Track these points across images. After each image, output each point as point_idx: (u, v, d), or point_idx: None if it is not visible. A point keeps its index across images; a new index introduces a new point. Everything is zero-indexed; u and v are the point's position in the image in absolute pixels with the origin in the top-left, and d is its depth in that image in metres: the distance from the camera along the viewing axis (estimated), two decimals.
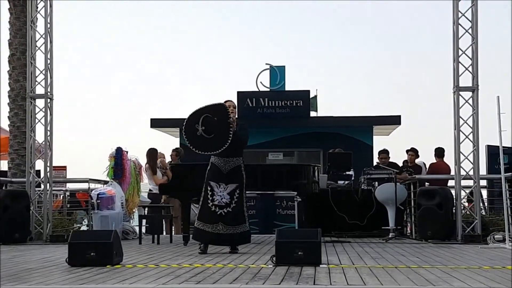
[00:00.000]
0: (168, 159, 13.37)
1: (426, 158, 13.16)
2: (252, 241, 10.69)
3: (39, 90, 11.10)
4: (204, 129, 8.10)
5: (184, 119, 8.35)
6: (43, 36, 11.07)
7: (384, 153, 12.74)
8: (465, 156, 10.35)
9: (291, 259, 6.66)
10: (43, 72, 11.04)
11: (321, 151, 16.22)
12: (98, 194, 11.13)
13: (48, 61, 11.04)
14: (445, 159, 12.50)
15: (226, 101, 8.56)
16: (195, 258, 7.69)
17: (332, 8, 35.52)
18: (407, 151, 12.97)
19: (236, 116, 8.64)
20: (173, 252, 8.62)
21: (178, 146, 16.05)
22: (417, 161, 13.00)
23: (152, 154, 12.55)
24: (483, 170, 11.87)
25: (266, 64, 17.28)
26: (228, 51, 37.60)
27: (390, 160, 12.67)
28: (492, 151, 12.89)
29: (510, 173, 10.57)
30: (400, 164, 12.84)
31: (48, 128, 10.99)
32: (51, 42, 11.08)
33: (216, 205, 8.23)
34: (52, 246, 9.86)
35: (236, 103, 15.70)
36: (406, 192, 11.31)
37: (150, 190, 12.64)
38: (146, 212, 11.59)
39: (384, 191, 11.06)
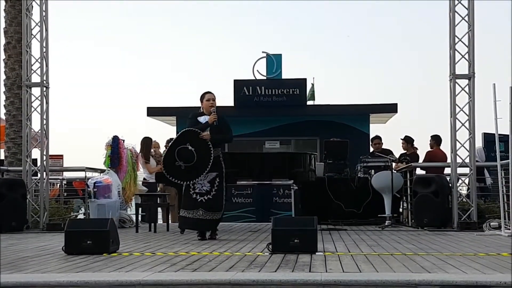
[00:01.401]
0: (162, 149, 13.36)
1: (423, 146, 13.18)
2: (248, 229, 10.76)
3: (35, 78, 11.08)
4: (184, 161, 8.38)
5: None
6: (39, 24, 11.03)
7: (377, 138, 12.78)
8: (461, 143, 10.37)
9: (287, 247, 6.67)
10: (39, 60, 11.02)
11: (318, 139, 16.21)
12: (94, 183, 11.13)
13: (44, 50, 11.01)
14: (441, 147, 12.51)
15: (206, 92, 8.71)
16: (192, 246, 7.70)
17: None
18: (401, 139, 12.96)
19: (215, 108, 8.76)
20: (169, 240, 8.64)
21: (174, 134, 16.04)
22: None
23: (146, 142, 12.53)
24: None
25: (263, 52, 17.22)
26: (224, 39, 37.50)
27: (384, 147, 12.69)
28: (488, 138, 12.92)
29: (506, 161, 10.59)
30: (394, 151, 12.84)
31: (44, 117, 10.98)
32: (46, 30, 11.04)
33: (197, 193, 8.52)
34: (48, 234, 9.88)
35: (233, 91, 15.68)
36: (403, 180, 11.33)
37: (144, 179, 12.61)
38: (142, 200, 11.59)
39: (381, 179, 11.09)
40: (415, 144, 13.06)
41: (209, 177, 8.51)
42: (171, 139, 13.61)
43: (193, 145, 8.37)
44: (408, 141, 12.72)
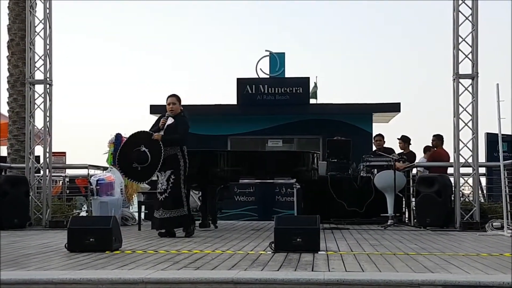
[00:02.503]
0: None
1: (426, 145, 13.15)
2: (251, 228, 10.75)
3: (38, 75, 11.09)
4: (139, 162, 8.53)
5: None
6: (42, 21, 11.04)
7: (378, 136, 12.78)
8: (464, 143, 10.36)
9: (289, 245, 6.67)
10: (42, 57, 11.02)
11: (321, 138, 16.20)
12: (97, 180, 11.14)
13: (47, 47, 11.01)
14: (443, 147, 12.50)
15: (169, 96, 8.90)
16: (194, 244, 7.71)
17: None
18: (398, 139, 12.93)
19: (181, 108, 8.93)
20: (171, 238, 8.64)
21: None
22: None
23: None
24: (482, 158, 11.90)
25: (266, 51, 17.23)
26: (228, 37, 37.51)
27: (386, 145, 12.68)
28: (491, 138, 12.90)
29: (509, 161, 10.58)
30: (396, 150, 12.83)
31: (47, 114, 10.99)
32: (50, 27, 11.05)
33: (159, 192, 8.70)
34: (51, 231, 9.88)
35: (236, 90, 15.64)
36: (405, 180, 11.32)
37: None
38: (144, 198, 11.59)
39: (383, 178, 11.07)
40: (416, 143, 13.06)
41: (165, 175, 8.64)
42: None
43: (146, 146, 8.54)
44: (405, 141, 12.70)
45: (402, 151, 12.74)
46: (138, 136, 8.70)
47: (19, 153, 12.36)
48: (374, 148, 12.89)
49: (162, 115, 8.91)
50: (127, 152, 8.64)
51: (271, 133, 16.81)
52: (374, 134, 13.27)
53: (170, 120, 8.78)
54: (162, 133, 8.66)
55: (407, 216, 12.06)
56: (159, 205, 8.69)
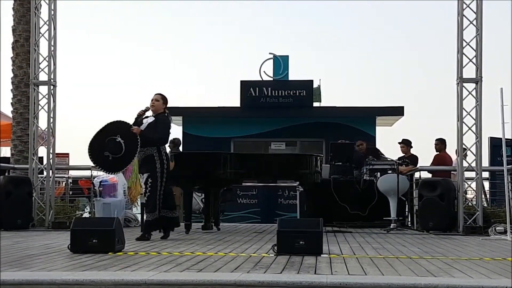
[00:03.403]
0: (167, 149, 13.38)
1: (429, 149, 13.16)
2: (253, 230, 10.76)
3: (43, 76, 11.11)
4: (111, 152, 8.29)
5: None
6: (47, 22, 11.06)
7: (360, 140, 13.03)
8: (467, 147, 10.35)
9: (292, 248, 6.67)
10: (47, 59, 11.05)
11: (324, 141, 16.21)
12: (100, 182, 11.16)
13: (52, 48, 11.04)
14: (446, 151, 12.50)
15: (155, 94, 8.69)
16: (197, 246, 7.71)
17: None
18: (399, 143, 12.93)
19: (165, 109, 8.76)
20: (174, 240, 8.64)
21: (181, 134, 16.06)
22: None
23: None
24: (485, 162, 11.89)
25: (270, 53, 17.25)
26: (231, 40, 37.52)
27: (388, 150, 12.73)
28: (495, 143, 12.88)
29: None
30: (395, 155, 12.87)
31: (51, 115, 11.01)
32: (54, 28, 11.07)
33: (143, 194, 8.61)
34: (54, 232, 9.89)
35: (239, 92, 15.66)
36: (408, 183, 11.31)
37: None
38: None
39: (386, 181, 11.07)
40: (419, 147, 13.08)
41: (144, 178, 8.48)
42: (174, 138, 13.67)
43: (122, 137, 8.29)
44: (407, 144, 12.71)
45: (404, 154, 12.75)
46: (116, 125, 8.40)
47: (23, 154, 12.37)
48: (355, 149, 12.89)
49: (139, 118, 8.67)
50: (101, 140, 8.32)
51: (274, 135, 16.82)
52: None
53: (151, 119, 8.59)
54: (142, 127, 8.44)
55: (409, 219, 12.06)
56: (143, 208, 8.62)
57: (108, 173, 8.65)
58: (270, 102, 16.89)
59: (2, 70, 13.83)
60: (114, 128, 8.36)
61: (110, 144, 8.26)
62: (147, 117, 8.64)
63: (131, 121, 8.52)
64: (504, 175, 9.77)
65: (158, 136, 8.53)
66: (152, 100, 8.64)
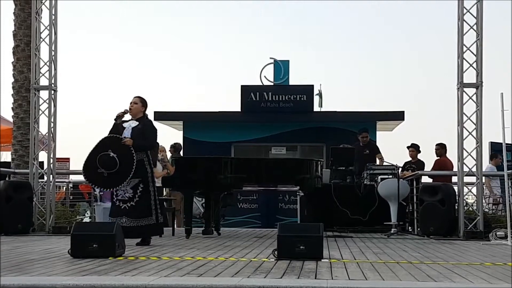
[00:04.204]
0: (169, 154, 13.40)
1: (430, 154, 13.17)
2: (254, 235, 10.75)
3: (43, 81, 11.12)
4: (106, 168, 8.15)
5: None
6: (48, 27, 11.08)
7: (364, 132, 13.30)
8: (468, 152, 10.35)
9: (293, 253, 6.67)
10: (47, 63, 11.05)
11: (324, 145, 16.21)
12: None
13: (53, 53, 11.05)
14: (447, 155, 12.50)
15: (134, 97, 8.57)
16: (197, 251, 7.71)
17: (336, 3, 35.43)
18: (408, 147, 12.96)
19: (144, 111, 8.60)
20: (175, 245, 8.64)
21: (181, 139, 16.06)
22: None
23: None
24: (485, 167, 11.88)
25: (270, 58, 17.27)
26: (232, 45, 37.55)
27: (389, 155, 12.79)
28: (495, 147, 12.90)
29: None
30: (401, 159, 12.92)
31: (52, 120, 11.01)
32: (55, 33, 11.09)
33: (120, 200, 8.32)
34: (54, 237, 9.89)
35: (240, 97, 15.66)
36: (409, 188, 11.30)
37: None
38: None
39: (387, 186, 11.06)
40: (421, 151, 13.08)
41: (132, 183, 8.28)
42: (175, 143, 13.69)
43: (115, 151, 8.16)
44: (417, 149, 12.75)
45: (411, 159, 12.79)
46: (106, 141, 8.29)
47: (23, 158, 12.38)
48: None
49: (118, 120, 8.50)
50: (94, 158, 8.19)
51: (275, 140, 16.82)
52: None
53: (134, 123, 8.44)
54: (126, 135, 8.28)
55: (410, 224, 12.05)
56: (121, 213, 8.25)
57: (106, 190, 8.41)
58: (271, 106, 16.90)
59: (2, 75, 13.85)
60: (104, 145, 8.25)
61: (103, 160, 8.14)
62: (126, 120, 8.49)
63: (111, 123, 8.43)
64: (504, 180, 9.77)
65: (149, 143, 8.51)
66: (130, 103, 8.50)
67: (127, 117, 8.55)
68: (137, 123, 8.45)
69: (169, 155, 13.32)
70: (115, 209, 8.39)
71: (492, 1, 13.85)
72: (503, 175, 9.88)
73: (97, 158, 8.17)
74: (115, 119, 8.43)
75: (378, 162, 12.80)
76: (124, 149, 8.18)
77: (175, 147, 13.52)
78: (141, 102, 8.56)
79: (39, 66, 11.10)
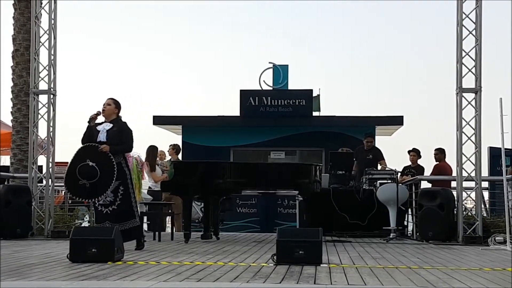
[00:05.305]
0: (167, 157, 13.40)
1: (429, 158, 13.17)
2: (253, 239, 10.74)
3: (42, 86, 11.12)
4: (87, 178, 8.07)
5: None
6: (47, 32, 11.08)
7: (370, 137, 13.38)
8: (467, 157, 10.35)
9: (292, 258, 6.66)
10: (47, 68, 11.06)
11: (323, 150, 16.20)
12: None
13: (52, 57, 11.05)
14: (446, 160, 12.50)
15: (107, 99, 8.49)
16: (196, 255, 7.70)
17: (335, 8, 35.52)
18: (409, 151, 12.97)
19: (117, 113, 8.49)
20: (174, 249, 8.63)
21: (180, 143, 16.06)
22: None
23: (152, 151, 12.57)
24: (485, 172, 11.89)
25: (269, 63, 17.28)
26: (231, 49, 37.61)
27: (390, 159, 12.80)
28: (494, 152, 12.89)
29: None
30: (400, 163, 12.93)
31: (51, 124, 11.01)
32: (55, 38, 11.09)
33: (101, 204, 8.23)
34: (53, 241, 9.88)
35: (239, 101, 15.68)
36: (408, 193, 11.30)
37: (149, 187, 12.64)
38: (147, 209, 11.59)
39: (386, 191, 11.05)
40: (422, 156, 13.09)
41: (112, 186, 8.17)
42: (175, 144, 13.67)
43: (93, 160, 8.07)
44: (418, 154, 12.76)
45: (411, 164, 12.79)
46: (82, 152, 8.20)
47: (22, 162, 12.37)
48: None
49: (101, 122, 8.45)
50: (73, 171, 8.07)
51: (274, 145, 16.82)
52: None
53: (108, 126, 8.34)
54: (101, 138, 8.19)
55: (409, 229, 12.04)
56: (104, 218, 8.17)
57: (91, 200, 8.32)
58: (270, 111, 16.90)
59: (2, 79, 13.83)
60: (81, 156, 8.17)
61: (83, 171, 8.06)
62: (99, 123, 8.41)
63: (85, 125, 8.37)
64: (503, 185, 9.76)
65: (127, 146, 8.44)
66: (104, 105, 8.40)
67: (101, 119, 8.47)
68: (111, 125, 8.35)
69: (168, 157, 13.32)
70: (97, 215, 8.34)
71: (491, 7, 13.91)
72: (502, 180, 9.86)
73: (77, 170, 8.09)
74: (88, 122, 8.35)
75: (379, 168, 12.77)
76: (102, 156, 8.11)
77: (175, 149, 13.48)
78: (115, 104, 8.46)
79: (38, 70, 11.11)
